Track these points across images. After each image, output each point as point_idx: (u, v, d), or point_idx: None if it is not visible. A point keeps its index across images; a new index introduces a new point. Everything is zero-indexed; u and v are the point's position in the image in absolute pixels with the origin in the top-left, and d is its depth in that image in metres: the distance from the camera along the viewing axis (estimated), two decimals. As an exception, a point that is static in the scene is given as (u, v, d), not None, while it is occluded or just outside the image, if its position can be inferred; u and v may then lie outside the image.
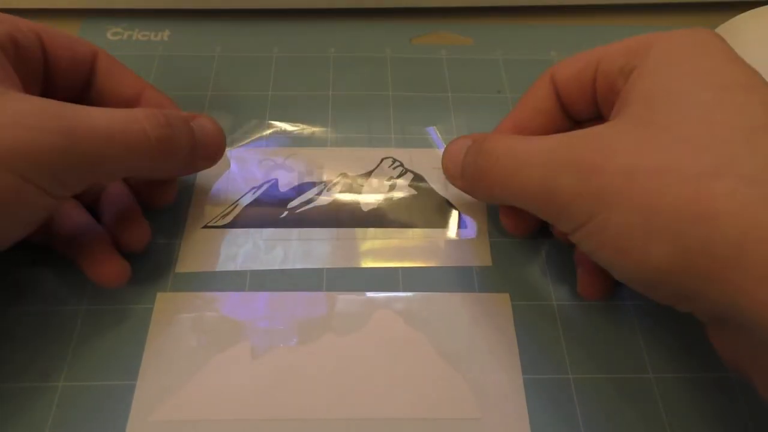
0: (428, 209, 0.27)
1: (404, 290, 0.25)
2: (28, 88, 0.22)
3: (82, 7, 0.34)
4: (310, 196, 0.27)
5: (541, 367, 0.23)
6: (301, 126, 0.30)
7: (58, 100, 0.23)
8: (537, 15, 0.36)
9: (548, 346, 0.24)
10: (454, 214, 0.27)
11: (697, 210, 0.16)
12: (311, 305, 0.24)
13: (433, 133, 0.30)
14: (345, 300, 0.24)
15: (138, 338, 0.23)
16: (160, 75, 0.32)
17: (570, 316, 0.24)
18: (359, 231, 0.26)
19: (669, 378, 0.23)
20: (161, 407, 0.22)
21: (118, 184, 0.25)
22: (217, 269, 0.25)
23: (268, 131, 0.30)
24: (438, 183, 0.28)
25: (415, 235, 0.26)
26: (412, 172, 0.28)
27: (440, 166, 0.25)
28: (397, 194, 0.28)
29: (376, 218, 0.27)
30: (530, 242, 0.26)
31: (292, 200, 0.27)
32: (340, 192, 0.27)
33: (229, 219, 0.26)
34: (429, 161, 0.29)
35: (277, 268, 0.25)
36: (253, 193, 0.27)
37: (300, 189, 0.27)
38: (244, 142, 0.29)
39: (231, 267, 0.25)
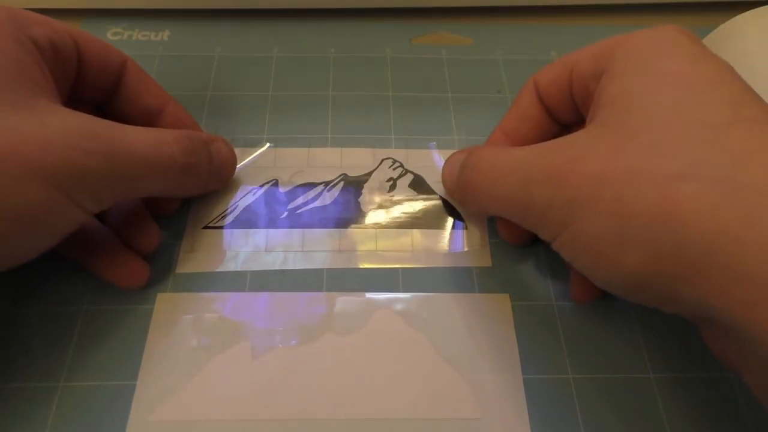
0: (428, 210, 0.27)
1: (404, 291, 0.25)
2: (60, 91, 0.22)
3: (82, 7, 0.34)
4: (310, 197, 0.27)
5: (541, 367, 0.23)
6: (301, 126, 0.30)
7: (85, 104, 0.24)
8: (537, 15, 0.36)
9: (548, 346, 0.24)
10: (454, 215, 0.27)
11: (666, 215, 0.16)
12: (311, 306, 0.24)
13: (434, 151, 0.29)
14: (345, 300, 0.24)
15: (138, 338, 0.23)
16: (160, 75, 0.31)
17: (570, 316, 0.24)
18: (359, 232, 0.26)
19: (669, 378, 0.23)
20: (161, 407, 0.22)
21: None
22: (217, 270, 0.25)
23: (268, 132, 0.30)
24: (438, 184, 0.28)
25: (415, 236, 0.26)
26: (412, 172, 0.28)
27: (440, 166, 0.25)
28: (397, 195, 0.28)
29: (376, 219, 0.27)
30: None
31: (292, 201, 0.27)
32: (340, 192, 0.28)
33: (229, 219, 0.26)
34: (429, 162, 0.29)
35: (277, 268, 0.25)
36: (254, 194, 0.27)
37: (300, 190, 0.27)
38: (244, 143, 0.29)
39: (231, 267, 0.25)
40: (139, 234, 0.24)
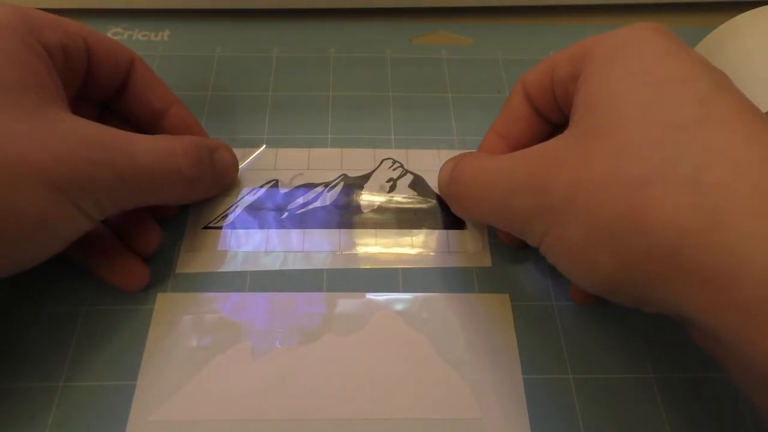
0: (428, 210, 0.27)
1: (404, 291, 0.25)
2: (68, 92, 0.22)
3: (82, 7, 0.34)
4: (310, 197, 0.27)
5: (541, 367, 0.23)
6: (300, 126, 0.30)
7: (92, 102, 0.24)
8: (537, 15, 0.36)
9: (548, 346, 0.24)
10: (454, 215, 0.27)
11: (633, 221, 0.16)
12: (311, 306, 0.24)
13: (434, 151, 0.29)
14: (345, 301, 0.24)
15: (138, 338, 0.23)
16: (160, 75, 0.31)
17: (570, 317, 0.24)
18: (359, 232, 0.26)
19: (669, 378, 0.23)
20: (161, 407, 0.22)
21: None
22: (217, 270, 0.25)
23: (268, 132, 0.30)
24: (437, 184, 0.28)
25: (414, 236, 0.26)
26: (411, 173, 0.28)
27: (440, 166, 0.25)
28: (397, 195, 0.28)
29: (376, 219, 0.27)
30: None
31: (292, 201, 0.27)
32: (340, 193, 0.27)
33: (229, 220, 0.26)
34: (429, 162, 0.29)
35: (277, 268, 0.25)
36: (254, 194, 0.27)
37: (300, 190, 0.27)
38: (244, 144, 0.29)
39: (231, 268, 0.25)
40: (140, 235, 0.24)
